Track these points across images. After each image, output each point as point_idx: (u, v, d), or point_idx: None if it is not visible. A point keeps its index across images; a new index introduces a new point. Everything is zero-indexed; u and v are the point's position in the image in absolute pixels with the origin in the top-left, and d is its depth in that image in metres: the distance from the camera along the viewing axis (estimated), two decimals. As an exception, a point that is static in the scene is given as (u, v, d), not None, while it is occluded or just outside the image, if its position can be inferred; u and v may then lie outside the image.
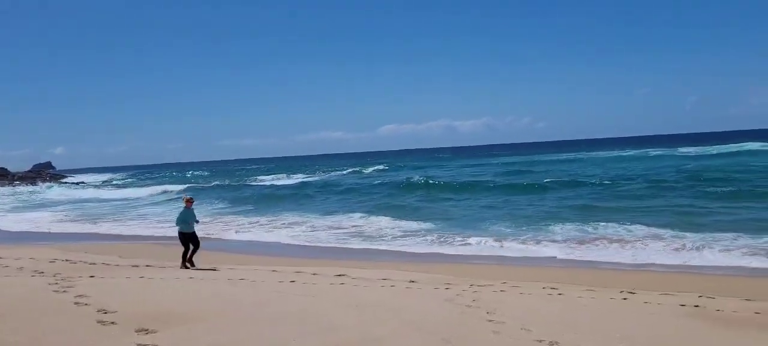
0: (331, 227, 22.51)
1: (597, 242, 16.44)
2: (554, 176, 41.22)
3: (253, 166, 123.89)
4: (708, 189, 27.13)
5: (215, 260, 14.59)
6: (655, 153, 65.05)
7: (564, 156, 74.46)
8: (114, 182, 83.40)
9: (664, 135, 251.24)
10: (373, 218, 24.05)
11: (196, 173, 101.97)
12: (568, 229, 18.63)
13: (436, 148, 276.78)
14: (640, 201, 24.85)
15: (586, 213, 21.92)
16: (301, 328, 7.11)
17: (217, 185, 56.36)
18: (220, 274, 12.34)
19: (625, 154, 69.26)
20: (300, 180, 57.91)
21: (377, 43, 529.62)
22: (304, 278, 11.51)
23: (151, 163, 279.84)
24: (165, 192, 49.94)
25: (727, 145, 68.43)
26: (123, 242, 21.08)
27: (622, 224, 18.80)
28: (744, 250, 14.25)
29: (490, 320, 7.65)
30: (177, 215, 14.21)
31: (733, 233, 16.06)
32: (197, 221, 14.18)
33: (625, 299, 9.59)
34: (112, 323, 7.15)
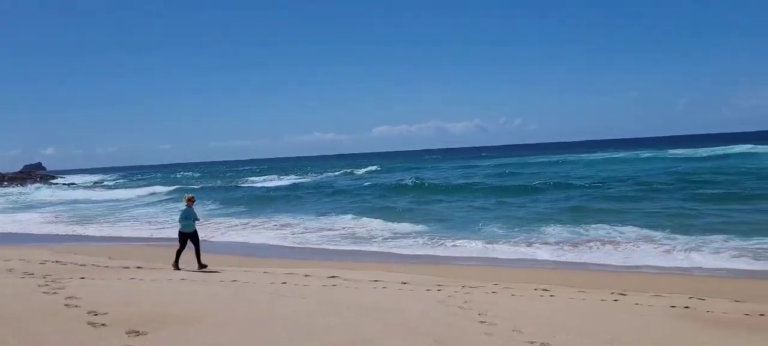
0: (322, 229, 22.46)
1: (588, 244, 16.49)
2: (545, 177, 41.33)
3: (245, 168, 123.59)
4: (698, 191, 27.32)
5: (206, 261, 14.50)
6: (645, 155, 65.40)
7: (555, 158, 74.64)
8: (104, 183, 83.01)
9: (655, 137, 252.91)
10: (365, 220, 24.02)
11: (186, 173, 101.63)
12: (559, 231, 18.69)
13: (428, 150, 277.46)
14: (631, 203, 24.97)
15: (578, 215, 21.99)
16: (293, 329, 7.10)
17: (204, 186, 56.10)
18: (212, 275, 12.30)
19: (615, 156, 69.58)
20: (292, 181, 57.78)
21: (370, 44, 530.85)
22: (296, 280, 11.49)
23: (142, 164, 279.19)
24: (153, 193, 49.68)
25: (717, 148, 68.90)
26: (113, 244, 20.95)
27: (613, 225, 18.89)
28: (734, 252, 14.34)
29: (482, 322, 7.67)
30: (179, 215, 14.20)
31: (723, 235, 16.17)
32: (197, 219, 14.18)
33: (616, 300, 9.64)
34: (103, 324, 7.11)
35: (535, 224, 20.33)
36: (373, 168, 76.01)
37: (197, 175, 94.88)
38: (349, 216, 25.46)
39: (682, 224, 18.57)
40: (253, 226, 24.32)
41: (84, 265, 13.90)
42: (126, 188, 63.78)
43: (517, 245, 16.97)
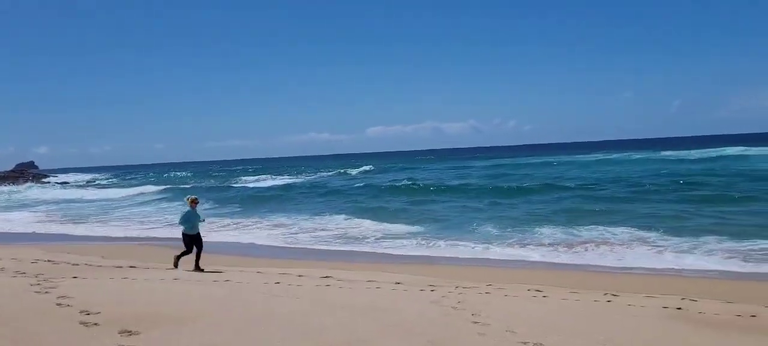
0: (316, 229, 22.45)
1: (581, 245, 16.55)
2: (540, 178, 41.47)
3: (238, 168, 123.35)
4: (691, 193, 27.49)
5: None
6: (638, 156, 65.70)
7: (549, 159, 74.87)
8: (97, 182, 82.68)
9: (648, 139, 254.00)
10: (359, 220, 24.02)
11: (179, 173, 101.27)
12: (553, 231, 18.74)
13: (423, 150, 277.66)
14: (624, 204, 25.07)
15: (571, 216, 22.07)
16: (288, 329, 7.09)
17: (195, 186, 55.92)
18: (205, 275, 12.27)
19: (609, 157, 69.90)
20: (285, 182, 57.69)
21: (365, 45, 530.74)
22: (290, 280, 11.48)
23: (135, 163, 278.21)
24: (146, 193, 49.48)
25: (710, 150, 69.27)
26: (105, 243, 20.87)
27: (606, 227, 18.97)
28: (726, 253, 14.43)
29: (476, 322, 7.68)
30: (180, 216, 13.94)
31: (715, 237, 16.25)
32: (202, 220, 13.98)
33: (609, 301, 9.67)
34: (95, 324, 7.07)
35: (528, 224, 20.39)
36: (368, 168, 76.06)
37: (189, 174, 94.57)
38: (343, 216, 25.47)
39: (675, 225, 18.66)
40: (246, 226, 24.29)
41: (76, 264, 13.83)
42: (119, 187, 63.55)
43: (510, 246, 17.02)
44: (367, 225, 22.63)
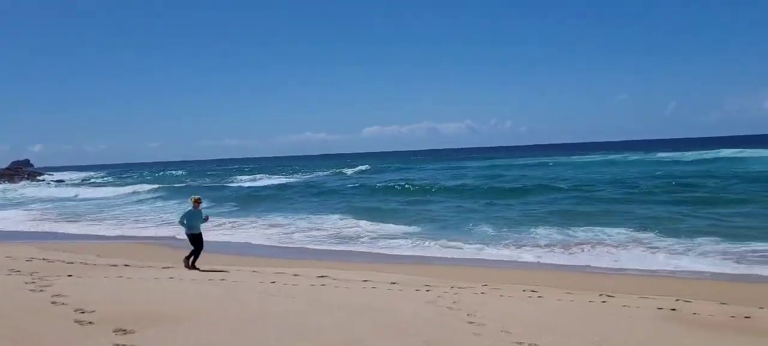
0: (311, 229, 22.43)
1: (576, 246, 16.57)
2: (535, 179, 41.55)
3: (234, 167, 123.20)
4: (685, 194, 27.57)
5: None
6: (634, 158, 65.90)
7: (546, 160, 74.99)
8: (92, 181, 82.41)
9: (644, 140, 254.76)
10: (354, 220, 24.01)
11: (174, 172, 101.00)
12: (548, 232, 18.76)
13: (419, 151, 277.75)
14: (619, 205, 25.13)
15: (566, 217, 22.11)
16: (283, 329, 7.09)
17: (190, 185, 55.78)
18: (200, 274, 12.25)
19: (605, 158, 70.08)
20: (281, 181, 57.64)
21: (361, 44, 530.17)
22: (285, 279, 11.47)
23: (130, 162, 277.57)
24: (140, 192, 49.30)
25: (705, 151, 69.51)
26: (100, 241, 20.82)
27: (601, 228, 19.00)
28: (720, 255, 14.47)
29: (471, 322, 7.69)
30: (181, 216, 13.97)
31: (710, 238, 16.30)
32: (204, 220, 14.00)
33: (603, 302, 9.70)
34: (90, 322, 7.06)
35: (523, 225, 20.41)
36: (363, 168, 76.07)
37: (185, 173, 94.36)
38: (338, 216, 25.45)
39: (670, 226, 18.71)
40: (241, 225, 24.23)
41: (71, 262, 13.80)
42: (114, 185, 63.37)
43: (506, 247, 17.02)
44: (362, 225, 22.62)
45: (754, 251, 14.63)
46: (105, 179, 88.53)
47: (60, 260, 14.12)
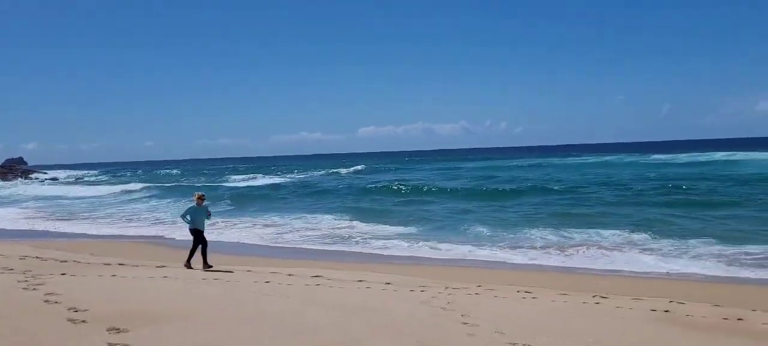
0: (306, 228, 22.41)
1: (571, 248, 16.60)
2: (530, 181, 41.63)
3: (229, 166, 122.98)
4: (679, 197, 27.70)
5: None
6: (628, 160, 66.09)
7: (540, 161, 75.16)
8: (86, 179, 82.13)
9: (638, 142, 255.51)
10: (349, 220, 24.00)
11: (169, 171, 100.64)
12: (542, 233, 18.80)
13: (415, 151, 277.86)
14: (614, 207, 25.20)
15: (561, 218, 22.17)
16: (278, 328, 7.08)
17: (181, 185, 55.59)
18: (195, 273, 12.24)
19: (599, 160, 70.32)
20: (275, 181, 57.56)
21: (357, 44, 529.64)
22: (280, 279, 11.46)
23: (125, 160, 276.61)
24: (131, 190, 49.10)
25: (699, 154, 69.81)
26: (94, 240, 20.75)
27: (596, 229, 19.06)
28: (713, 257, 14.53)
29: (465, 323, 7.70)
30: (184, 211, 14.05)
31: (703, 241, 16.38)
32: (207, 218, 14.09)
33: (597, 303, 9.73)
34: (83, 321, 7.03)
35: (518, 226, 20.45)
36: (359, 168, 76.07)
37: (179, 172, 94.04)
38: (332, 216, 25.44)
39: (663, 228, 18.78)
40: (235, 225, 24.17)
41: (65, 261, 13.75)
42: (108, 184, 63.16)
43: (500, 248, 17.04)
44: (357, 225, 22.63)
45: (746, 254, 14.70)
46: (99, 177, 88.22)
47: (53, 259, 14.06)
